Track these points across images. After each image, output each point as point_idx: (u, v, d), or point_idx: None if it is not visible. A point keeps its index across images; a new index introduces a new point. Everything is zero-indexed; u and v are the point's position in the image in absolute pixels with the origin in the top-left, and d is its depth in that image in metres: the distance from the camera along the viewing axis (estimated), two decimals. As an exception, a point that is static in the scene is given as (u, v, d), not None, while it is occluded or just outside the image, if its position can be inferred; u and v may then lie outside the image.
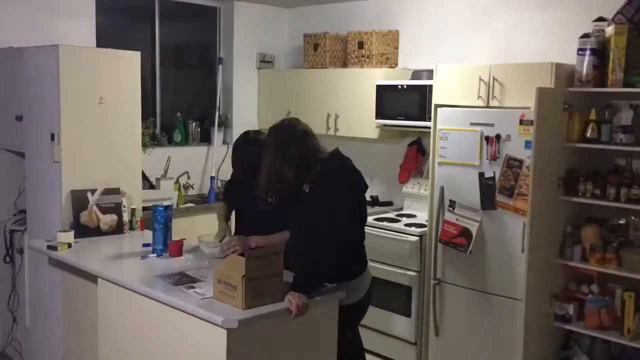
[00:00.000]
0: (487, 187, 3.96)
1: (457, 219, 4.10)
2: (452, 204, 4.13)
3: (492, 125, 3.94)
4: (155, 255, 3.36)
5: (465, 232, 4.03)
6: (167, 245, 3.37)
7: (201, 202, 5.35)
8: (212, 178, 5.50)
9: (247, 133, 3.55)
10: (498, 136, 3.91)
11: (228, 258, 2.76)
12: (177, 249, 3.37)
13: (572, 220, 3.91)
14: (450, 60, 4.70)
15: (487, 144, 3.95)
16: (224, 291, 2.61)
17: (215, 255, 3.30)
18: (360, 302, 3.08)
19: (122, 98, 3.94)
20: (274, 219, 3.24)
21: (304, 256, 2.80)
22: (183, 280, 2.93)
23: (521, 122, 3.79)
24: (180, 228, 4.48)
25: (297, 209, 3.01)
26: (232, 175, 3.69)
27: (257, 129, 3.54)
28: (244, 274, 2.53)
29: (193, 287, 2.81)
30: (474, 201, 4.02)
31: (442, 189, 4.20)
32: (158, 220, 3.38)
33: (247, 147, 3.38)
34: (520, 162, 3.82)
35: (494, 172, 3.93)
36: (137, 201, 4.04)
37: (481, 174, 3.99)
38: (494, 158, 3.93)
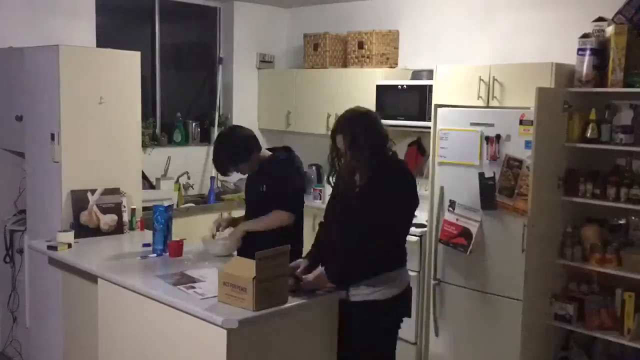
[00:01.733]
0: (487, 187, 3.96)
1: (457, 219, 4.09)
2: (452, 204, 4.13)
3: (492, 125, 3.94)
4: (155, 255, 3.36)
5: (465, 232, 4.03)
6: (167, 245, 3.37)
7: (201, 202, 5.34)
8: (212, 178, 5.50)
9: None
10: (498, 136, 3.91)
11: (234, 259, 2.75)
12: (178, 249, 3.36)
13: (572, 220, 3.91)
14: (450, 60, 4.70)
15: (487, 144, 3.95)
16: (231, 294, 2.58)
17: (222, 254, 3.31)
18: (395, 300, 2.88)
19: (122, 98, 3.94)
20: (262, 206, 3.31)
21: (352, 252, 2.76)
22: (183, 280, 2.92)
23: (521, 122, 3.79)
24: (180, 228, 4.47)
25: (344, 202, 2.93)
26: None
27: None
28: (255, 275, 2.52)
29: (193, 287, 2.81)
30: (474, 201, 4.02)
31: (442, 189, 4.20)
32: (158, 220, 3.38)
33: (216, 144, 3.52)
34: (520, 162, 3.82)
35: (494, 172, 3.93)
36: (137, 201, 4.04)
37: (481, 174, 3.99)
38: (494, 158, 3.93)
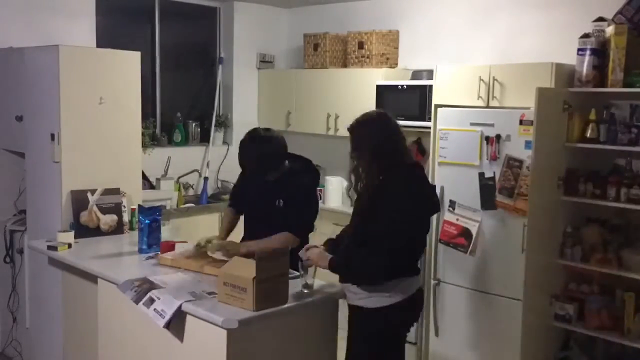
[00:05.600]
0: (487, 187, 3.96)
1: (457, 219, 4.10)
2: (452, 204, 4.13)
3: (492, 125, 3.94)
4: (144, 255, 3.32)
5: (465, 232, 4.03)
6: (150, 245, 3.34)
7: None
8: (205, 179, 5.48)
9: (255, 130, 3.32)
10: (498, 136, 3.91)
11: (234, 259, 2.74)
12: (169, 251, 3.32)
13: (572, 220, 3.91)
14: (450, 60, 4.71)
15: (487, 144, 3.95)
16: (231, 294, 2.58)
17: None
18: (403, 303, 2.80)
19: (122, 98, 3.93)
20: (275, 221, 3.18)
21: (354, 254, 2.75)
22: (142, 292, 2.77)
23: (521, 122, 3.79)
24: (180, 228, 4.48)
25: (358, 203, 2.90)
26: (239, 177, 3.54)
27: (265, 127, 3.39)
28: (255, 275, 2.52)
29: (152, 302, 2.68)
30: (474, 201, 4.02)
31: (442, 189, 4.20)
32: (141, 219, 3.35)
33: (257, 143, 3.20)
34: (520, 162, 3.82)
35: (494, 172, 3.93)
36: (137, 201, 4.02)
37: (481, 174, 3.99)
38: (494, 158, 3.93)
